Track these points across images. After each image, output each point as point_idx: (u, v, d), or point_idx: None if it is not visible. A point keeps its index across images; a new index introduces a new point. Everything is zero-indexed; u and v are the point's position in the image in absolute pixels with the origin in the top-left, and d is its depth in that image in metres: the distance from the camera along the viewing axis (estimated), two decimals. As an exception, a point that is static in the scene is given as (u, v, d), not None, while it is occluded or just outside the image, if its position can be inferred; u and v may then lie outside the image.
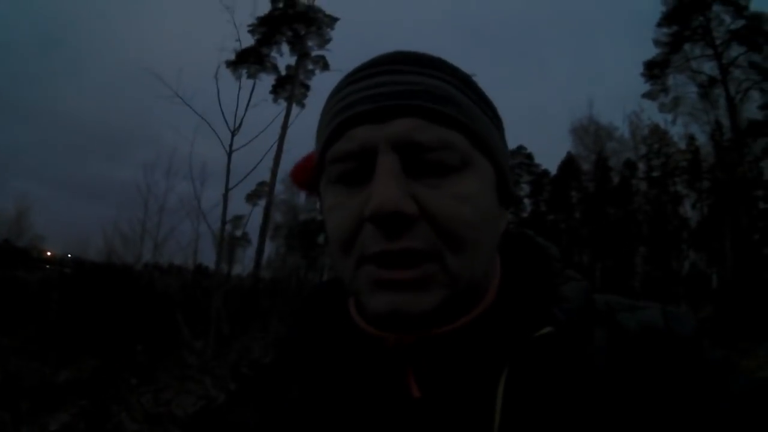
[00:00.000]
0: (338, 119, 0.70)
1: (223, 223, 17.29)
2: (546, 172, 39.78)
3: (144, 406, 7.59)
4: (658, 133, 31.93)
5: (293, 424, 0.73)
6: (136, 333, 11.42)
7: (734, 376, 0.64)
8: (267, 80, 27.63)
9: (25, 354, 9.40)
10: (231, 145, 16.77)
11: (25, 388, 7.46)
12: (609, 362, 0.66)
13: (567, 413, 0.62)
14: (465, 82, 0.75)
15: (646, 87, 29.06)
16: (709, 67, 26.60)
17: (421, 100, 0.67)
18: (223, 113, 17.20)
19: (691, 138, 30.02)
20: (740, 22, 25.66)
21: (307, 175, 0.83)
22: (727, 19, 25.95)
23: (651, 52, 28.77)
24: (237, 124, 17.21)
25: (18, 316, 12.02)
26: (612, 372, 0.65)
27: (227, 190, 16.46)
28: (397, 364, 0.70)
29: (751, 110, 26.21)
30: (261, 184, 33.31)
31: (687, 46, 27.14)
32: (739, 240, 23.45)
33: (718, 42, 25.85)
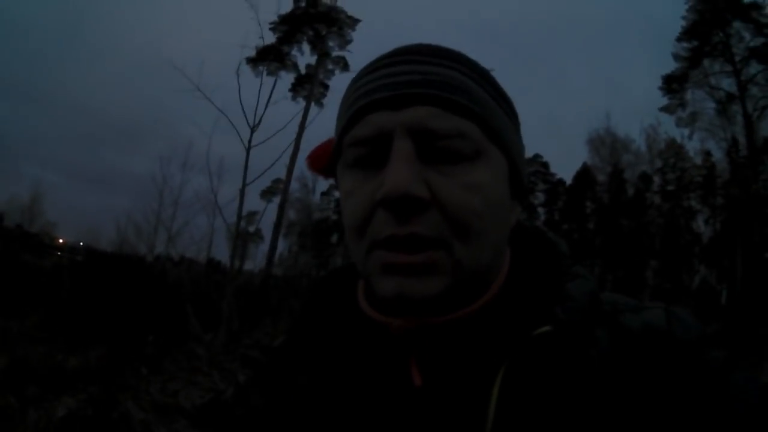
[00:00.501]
0: (357, 105, 0.72)
1: (239, 218, 17.31)
2: (561, 182, 39.81)
3: (152, 396, 7.57)
4: (674, 147, 32.07)
5: (297, 409, 0.75)
6: (146, 323, 11.46)
7: (735, 377, 0.64)
8: (287, 78, 27.76)
9: (34, 339, 9.42)
10: (250, 141, 16.77)
11: (32, 372, 7.48)
12: (610, 362, 0.65)
13: (562, 412, 0.62)
14: (482, 76, 0.76)
15: (663, 101, 29.21)
16: (728, 84, 26.73)
17: (437, 89, 0.69)
18: (243, 109, 17.16)
19: (707, 153, 30.17)
20: (760, 40, 25.68)
21: (324, 159, 0.84)
22: (747, 36, 26.05)
23: (670, 65, 28.96)
24: (257, 121, 17.16)
25: (28, 301, 12.05)
26: (612, 372, 0.64)
27: (244, 185, 16.47)
28: (400, 352, 0.72)
29: None
30: (276, 181, 33.52)
31: (706, 62, 27.35)
32: (751, 257, 23.39)
33: (737, 59, 25.95)
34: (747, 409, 0.60)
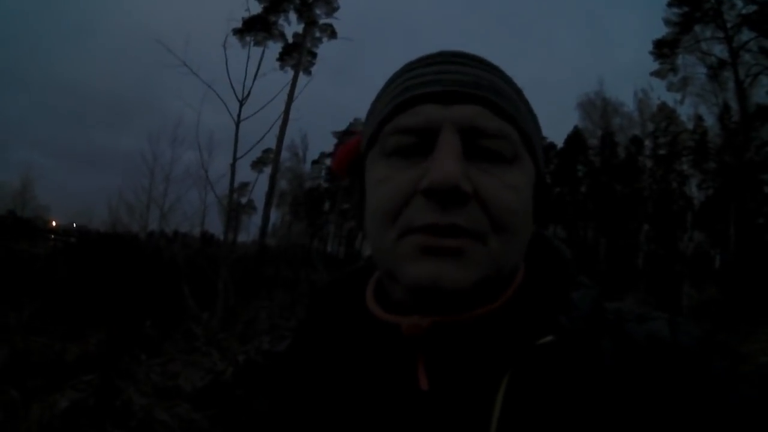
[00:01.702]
0: (408, 94, 0.74)
1: (231, 193, 17.29)
2: (552, 145, 39.82)
3: (153, 380, 7.58)
4: (665, 112, 32.17)
5: (303, 414, 0.76)
6: (144, 304, 11.45)
7: (739, 387, 0.64)
8: (274, 49, 27.67)
9: (32, 329, 9.39)
10: (239, 115, 16.69)
11: (33, 364, 7.46)
12: (614, 372, 0.66)
13: (565, 422, 0.62)
14: (518, 90, 0.79)
15: (655, 65, 29.34)
16: (719, 50, 26.96)
17: (487, 92, 0.72)
18: (231, 82, 17.01)
19: (699, 119, 30.32)
20: (752, 8, 25.67)
21: (350, 158, 0.86)
22: (739, 3, 26.09)
23: (661, 30, 28.95)
24: (245, 94, 17.04)
25: (25, 290, 11.99)
26: (616, 381, 0.65)
27: (235, 159, 16.43)
28: (408, 355, 0.72)
29: (760, 95, 26.39)
30: (266, 151, 33.53)
31: (697, 27, 27.53)
32: (744, 223, 23.60)
33: (729, 25, 26.06)
34: (749, 420, 0.61)
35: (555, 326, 0.69)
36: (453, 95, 0.71)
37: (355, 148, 0.85)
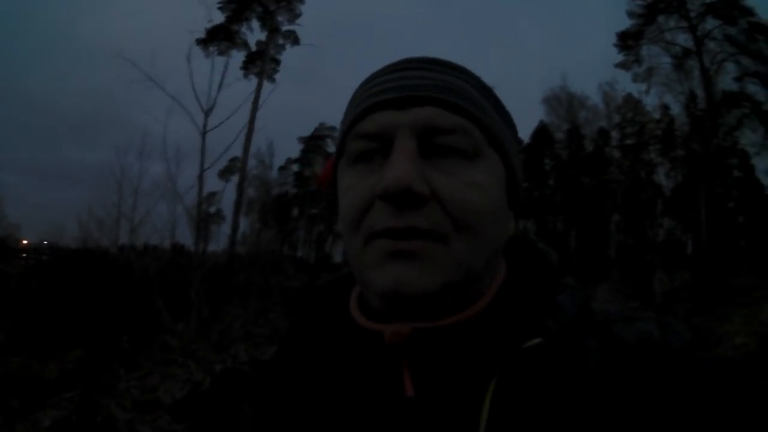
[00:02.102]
0: (364, 104, 0.75)
1: (200, 204, 17.21)
2: (519, 141, 39.94)
3: (132, 395, 7.59)
4: (631, 103, 32.22)
5: (289, 423, 0.75)
6: (118, 319, 11.36)
7: (729, 386, 0.66)
8: (238, 58, 27.49)
9: (9, 350, 9.31)
10: (205, 126, 16.62)
11: (14, 384, 7.43)
12: (603, 373, 0.66)
13: (553, 425, 0.62)
14: (485, 89, 0.80)
15: (619, 57, 29.24)
16: (683, 39, 26.83)
17: (441, 92, 0.72)
18: (196, 94, 16.96)
19: (665, 108, 30.30)
20: None
21: (330, 171, 0.87)
22: None
23: (625, 22, 28.88)
24: (210, 105, 16.99)
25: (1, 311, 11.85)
26: (605, 383, 0.65)
27: (202, 170, 16.38)
28: (392, 362, 0.72)
29: (726, 81, 26.50)
30: (233, 160, 33.14)
31: (661, 18, 27.32)
32: (714, 208, 23.76)
33: (693, 14, 25.99)
34: (740, 419, 0.62)
35: (541, 329, 0.69)
36: (409, 100, 0.72)
37: (334, 160, 0.85)
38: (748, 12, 25.83)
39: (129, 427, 6.52)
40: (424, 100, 0.72)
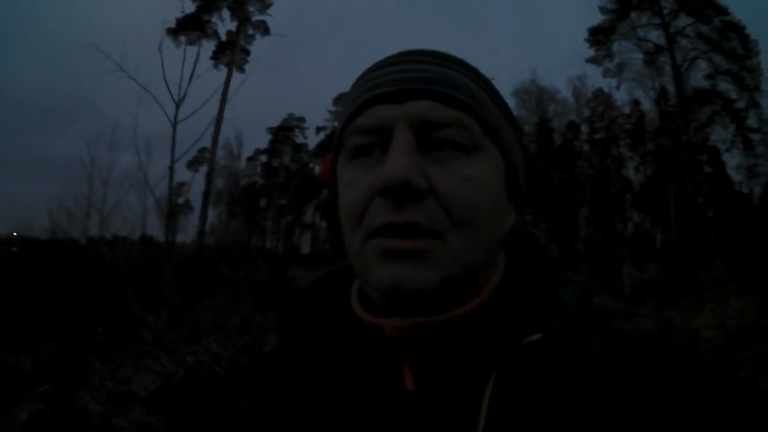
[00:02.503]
0: (361, 99, 0.75)
1: (170, 195, 17.07)
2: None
3: (107, 387, 7.54)
4: (601, 97, 32.35)
5: (289, 417, 0.76)
6: (91, 311, 11.24)
7: (728, 385, 0.66)
8: (209, 48, 27.25)
9: (-16, 345, 9.17)
10: (176, 116, 16.50)
11: (-11, 380, 7.33)
12: (602, 369, 0.66)
13: (553, 420, 0.62)
14: (483, 80, 0.80)
15: (590, 52, 29.50)
16: (656, 36, 27.17)
17: (439, 85, 0.73)
18: (167, 84, 16.87)
19: (635, 103, 30.64)
20: None
21: (330, 167, 0.86)
22: None
23: (597, 18, 29.10)
24: (181, 95, 16.89)
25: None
26: (605, 379, 0.65)
27: (173, 161, 16.25)
28: (393, 356, 0.72)
29: (698, 78, 27.09)
30: (202, 150, 32.89)
31: (634, 14, 27.59)
32: (684, 202, 23.97)
33: (665, 11, 26.23)
34: (737, 415, 0.64)
35: (542, 324, 0.69)
36: (405, 93, 0.72)
37: (333, 155, 0.85)
38: (722, 11, 26.30)
39: (104, 420, 6.48)
40: (422, 94, 0.72)
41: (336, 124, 0.89)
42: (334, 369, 0.76)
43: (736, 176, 31.38)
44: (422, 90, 0.72)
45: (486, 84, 0.80)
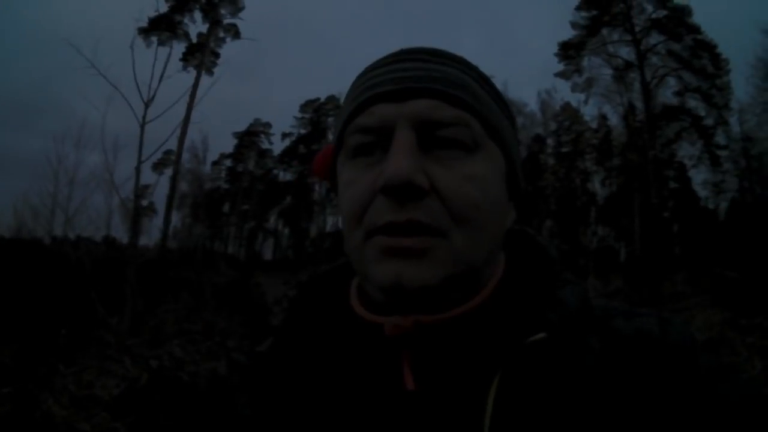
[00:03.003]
0: (362, 97, 0.75)
1: (136, 197, 16.91)
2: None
3: (70, 390, 7.41)
4: (569, 111, 32.74)
5: (288, 417, 0.74)
6: (54, 312, 11.06)
7: (728, 383, 0.66)
8: (180, 50, 27.07)
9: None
10: (144, 117, 16.28)
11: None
12: (603, 368, 0.66)
13: (557, 419, 0.62)
14: (483, 78, 0.79)
15: (560, 66, 29.67)
16: (626, 52, 27.34)
17: (440, 84, 0.72)
18: (137, 84, 16.56)
19: (603, 118, 30.95)
20: (662, 12, 26.47)
21: (327, 162, 0.85)
22: (649, 8, 26.74)
23: (568, 32, 29.34)
24: (151, 96, 16.66)
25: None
26: (605, 378, 0.65)
27: (140, 162, 16.04)
28: (393, 354, 0.71)
29: (666, 95, 27.36)
30: (167, 152, 32.50)
31: (605, 31, 27.79)
32: (649, 217, 24.29)
33: (637, 29, 26.55)
34: (737, 415, 0.63)
35: (544, 323, 0.68)
36: (406, 92, 0.71)
37: (332, 152, 0.85)
38: (695, 29, 26.72)
39: (67, 424, 6.37)
40: (423, 92, 0.71)
41: (335, 126, 0.85)
42: (333, 368, 0.75)
43: (702, 192, 31.98)
44: (424, 89, 0.72)
45: (486, 82, 0.80)
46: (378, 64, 0.79)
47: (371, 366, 0.73)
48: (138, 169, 16.23)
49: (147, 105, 16.43)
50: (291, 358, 0.81)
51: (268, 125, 49.95)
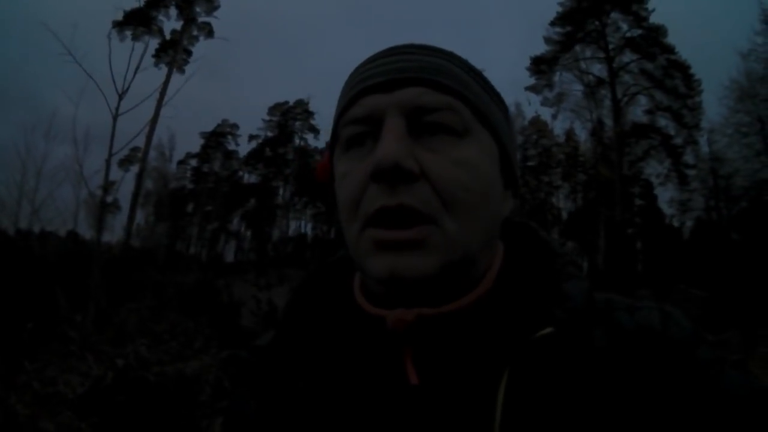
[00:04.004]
0: (353, 91, 0.75)
1: (105, 189, 16.73)
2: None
3: (33, 388, 7.20)
4: (538, 125, 33.36)
5: (291, 411, 0.73)
6: (17, 305, 10.81)
7: (727, 377, 0.65)
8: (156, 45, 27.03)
9: None
10: (117, 108, 16.18)
11: None
12: (608, 362, 0.66)
13: (566, 414, 0.61)
14: (472, 69, 0.79)
15: (530, 80, 30.13)
16: (598, 69, 28.11)
17: (428, 73, 0.72)
18: (112, 75, 16.43)
19: (571, 133, 31.50)
20: (637, 32, 27.17)
21: (328, 165, 0.85)
22: (624, 26, 27.53)
23: (540, 47, 29.90)
24: (125, 87, 16.47)
25: None
26: (611, 372, 0.65)
27: (110, 154, 15.90)
28: (396, 348, 0.70)
29: (637, 113, 28.04)
30: (134, 149, 32.32)
31: (578, 47, 28.57)
32: (613, 232, 24.80)
33: (611, 46, 27.31)
34: (737, 408, 0.62)
35: (550, 318, 0.68)
36: (395, 82, 0.72)
37: (329, 150, 0.86)
38: (669, 49, 27.40)
39: (32, 422, 6.15)
40: (412, 82, 0.72)
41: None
42: (336, 361, 0.75)
43: (668, 210, 32.62)
44: (412, 78, 0.72)
45: (476, 73, 0.80)
46: (368, 60, 0.79)
47: (374, 360, 0.72)
48: (108, 161, 16.28)
49: (121, 96, 16.45)
50: (293, 351, 0.80)
51: (235, 126, 50.39)
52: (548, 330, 0.66)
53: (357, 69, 0.80)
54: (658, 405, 0.62)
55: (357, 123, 0.74)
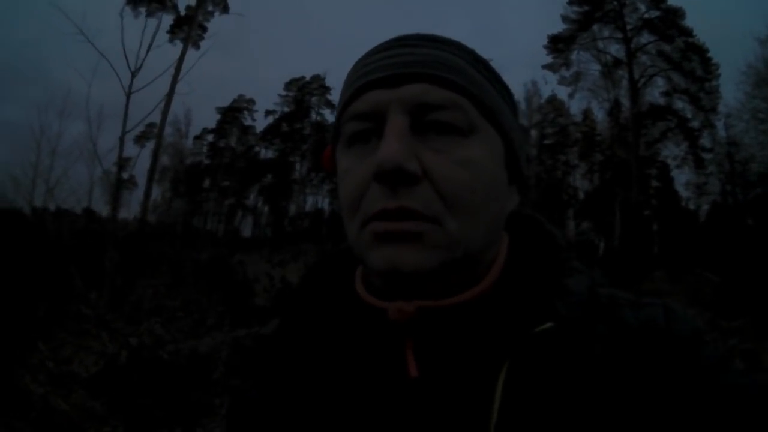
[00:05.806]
0: (356, 85, 0.74)
1: (120, 166, 16.77)
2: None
3: (48, 367, 7.28)
4: (554, 104, 32.97)
5: (293, 401, 0.74)
6: (32, 285, 10.87)
7: (730, 375, 0.65)
8: (169, 21, 26.88)
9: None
10: (130, 86, 16.15)
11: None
12: (610, 359, 0.65)
13: (565, 409, 0.61)
14: (479, 61, 0.78)
15: (548, 58, 29.80)
16: (616, 49, 27.67)
17: (431, 68, 0.71)
18: (125, 52, 16.40)
19: (588, 113, 31.19)
20: (655, 13, 26.65)
21: (333, 154, 0.84)
22: (642, 7, 26.94)
23: (558, 25, 29.53)
24: (138, 65, 16.45)
25: None
26: (613, 368, 0.64)
27: (124, 132, 15.92)
28: (397, 340, 0.71)
29: (654, 95, 27.60)
30: (150, 125, 32.29)
31: (596, 27, 28.07)
32: (629, 214, 24.59)
33: (629, 27, 26.81)
34: (741, 406, 0.61)
35: (552, 312, 0.68)
36: (399, 77, 0.71)
37: (332, 142, 0.85)
38: (687, 32, 26.98)
39: (44, 402, 6.23)
40: (415, 77, 0.71)
41: (332, 114, 0.75)
42: (337, 352, 0.75)
43: (684, 192, 32.27)
44: (416, 73, 0.71)
45: (483, 65, 0.78)
46: (372, 52, 0.78)
47: (375, 352, 0.72)
48: (122, 139, 16.25)
49: (134, 74, 16.43)
50: (296, 341, 0.81)
51: (251, 102, 49.95)
52: (548, 325, 0.66)
53: (360, 60, 0.79)
54: (660, 401, 0.62)
55: (359, 119, 0.73)
